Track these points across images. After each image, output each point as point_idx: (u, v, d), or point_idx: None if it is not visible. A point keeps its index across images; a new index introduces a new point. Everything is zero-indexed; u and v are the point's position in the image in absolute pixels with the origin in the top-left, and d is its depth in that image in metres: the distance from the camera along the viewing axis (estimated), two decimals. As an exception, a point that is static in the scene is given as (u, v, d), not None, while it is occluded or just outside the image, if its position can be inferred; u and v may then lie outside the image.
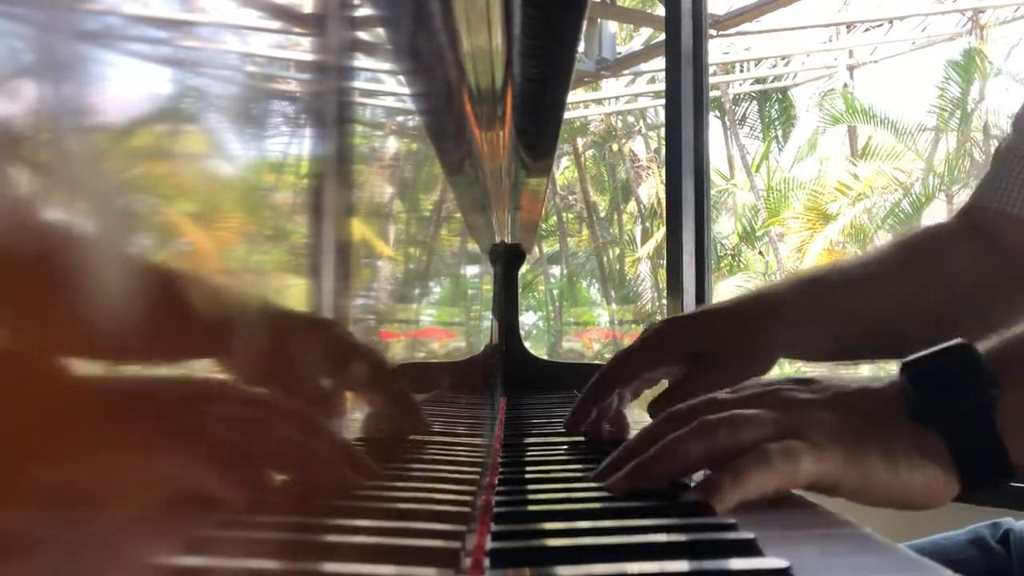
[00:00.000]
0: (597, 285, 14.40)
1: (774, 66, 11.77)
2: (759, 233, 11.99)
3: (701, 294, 2.01)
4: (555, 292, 14.68)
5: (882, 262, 0.83)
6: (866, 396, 0.52)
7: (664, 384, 0.79)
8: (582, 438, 0.75)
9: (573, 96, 10.00)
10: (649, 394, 0.80)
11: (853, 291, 0.80)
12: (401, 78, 0.50)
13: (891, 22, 10.78)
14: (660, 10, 5.53)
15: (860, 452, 0.47)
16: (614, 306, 13.41)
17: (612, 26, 6.22)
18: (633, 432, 0.77)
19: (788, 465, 0.46)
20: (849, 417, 0.50)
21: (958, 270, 0.82)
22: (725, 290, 10.50)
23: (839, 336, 0.79)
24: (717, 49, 10.12)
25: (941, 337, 0.84)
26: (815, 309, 0.77)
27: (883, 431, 0.49)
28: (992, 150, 0.91)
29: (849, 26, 11.32)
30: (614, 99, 11.97)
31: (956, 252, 0.84)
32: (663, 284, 10.30)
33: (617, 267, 13.88)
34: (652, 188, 12.85)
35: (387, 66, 0.47)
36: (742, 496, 0.45)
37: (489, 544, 0.38)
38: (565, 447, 0.72)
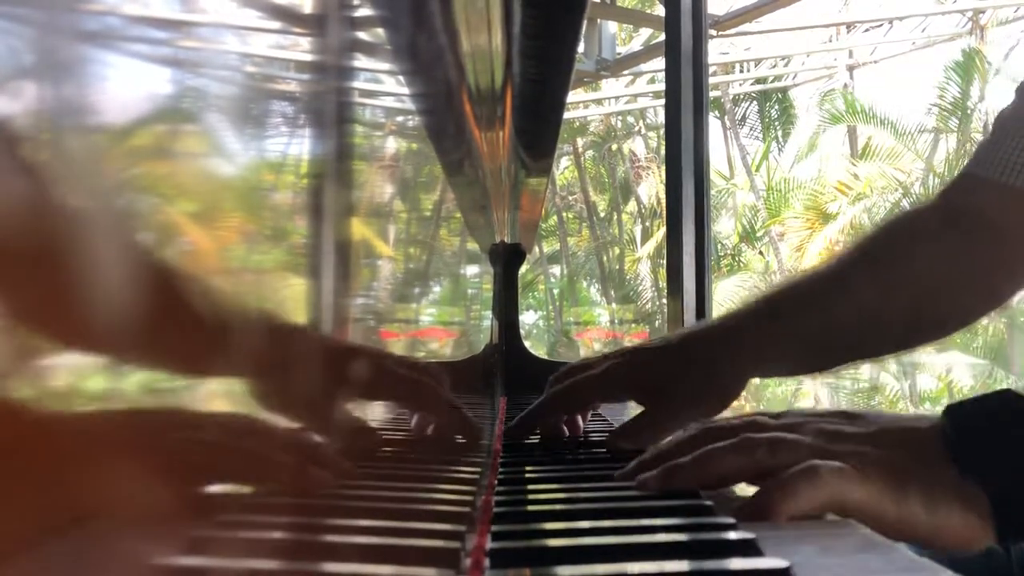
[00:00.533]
0: (597, 285, 14.40)
1: (774, 66, 11.77)
2: (759, 233, 11.99)
3: (701, 294, 2.01)
4: (555, 292, 14.68)
5: (850, 265, 0.80)
6: (909, 436, 0.52)
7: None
8: (581, 438, 0.75)
9: (573, 96, 10.00)
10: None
11: (821, 303, 0.77)
12: (401, 78, 0.50)
13: (891, 22, 10.78)
14: (660, 10, 5.52)
15: (901, 489, 0.48)
16: (614, 306, 13.41)
17: (612, 26, 6.22)
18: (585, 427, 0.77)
19: (838, 485, 0.46)
20: (892, 454, 0.50)
21: (933, 263, 0.79)
22: (725, 290, 10.50)
23: (810, 351, 0.77)
24: (717, 49, 10.12)
25: (917, 334, 0.83)
26: (776, 332, 0.75)
27: (924, 472, 0.49)
28: None
29: (849, 26, 11.31)
30: (614, 99, 11.97)
31: (930, 243, 0.80)
32: (663, 284, 10.30)
33: (617, 267, 13.88)
34: (652, 188, 12.85)
35: (387, 66, 0.47)
36: (793, 510, 0.45)
37: (489, 544, 0.38)
38: (565, 447, 0.72)
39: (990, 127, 0.86)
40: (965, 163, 0.86)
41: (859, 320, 0.77)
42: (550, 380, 0.77)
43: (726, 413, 0.71)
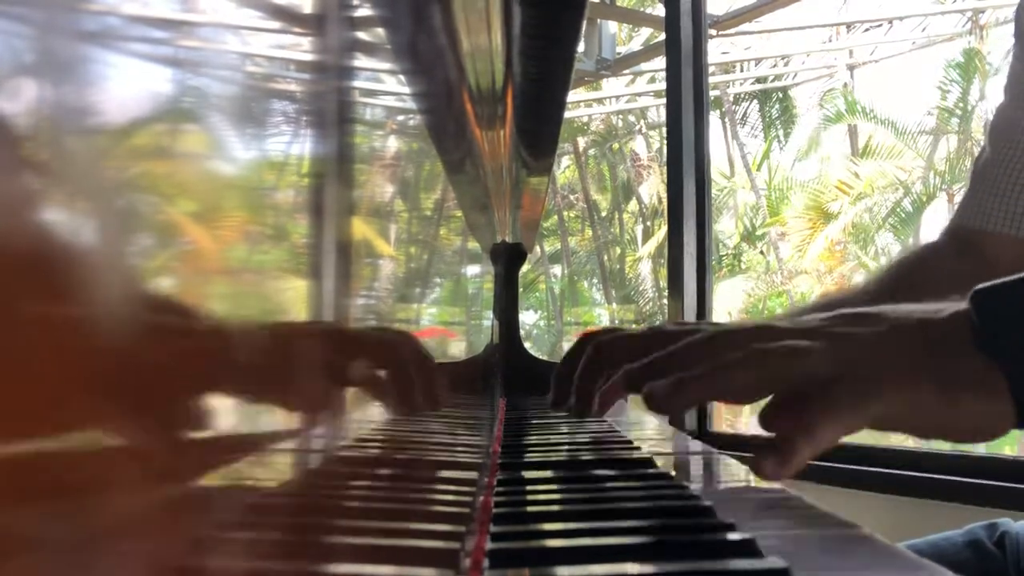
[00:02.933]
0: (598, 285, 14.40)
1: (774, 66, 11.78)
2: (760, 232, 11.99)
3: (702, 294, 2.01)
4: (556, 291, 14.68)
5: (872, 293, 0.83)
6: (926, 327, 0.50)
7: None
8: (583, 438, 0.75)
9: (573, 96, 10.00)
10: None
11: None
12: (401, 78, 0.50)
13: (891, 22, 10.78)
14: (660, 10, 5.53)
15: (916, 388, 0.46)
16: (615, 306, 13.41)
17: (612, 26, 6.22)
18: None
19: (853, 412, 0.45)
20: (907, 351, 0.48)
21: (946, 294, 0.82)
22: (726, 290, 10.50)
23: None
24: (717, 49, 10.12)
25: None
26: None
27: (942, 363, 0.47)
28: None
29: (849, 26, 11.32)
30: (614, 99, 11.98)
31: (944, 276, 0.83)
32: (664, 284, 10.30)
33: (618, 267, 13.88)
34: (653, 187, 12.85)
35: (387, 66, 0.47)
36: (815, 450, 0.44)
37: (488, 544, 0.38)
38: (565, 447, 0.72)
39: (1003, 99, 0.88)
40: (951, 217, 0.90)
41: None
42: (577, 342, 0.76)
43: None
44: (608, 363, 0.72)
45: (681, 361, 0.50)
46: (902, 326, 0.50)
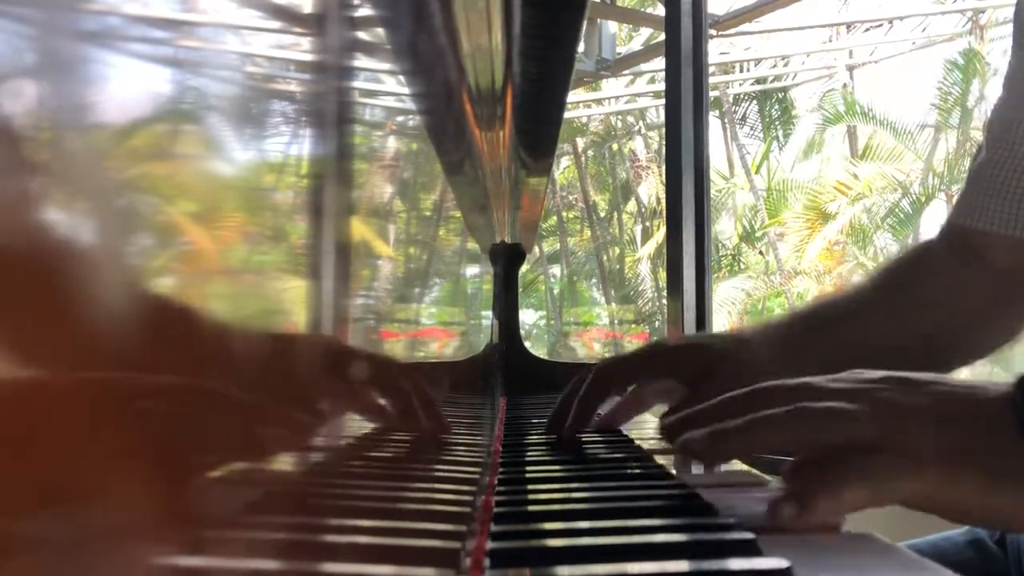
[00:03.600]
0: (597, 285, 14.40)
1: (774, 66, 11.77)
2: (759, 233, 11.99)
3: (701, 294, 2.01)
4: (555, 292, 14.68)
5: (869, 293, 0.83)
6: (973, 405, 0.48)
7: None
8: (583, 438, 0.75)
9: (573, 96, 10.00)
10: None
11: (849, 329, 0.79)
12: (401, 78, 0.50)
13: (891, 22, 10.78)
14: (660, 10, 5.53)
15: (959, 470, 0.45)
16: (614, 306, 13.41)
17: (612, 26, 6.22)
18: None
19: (885, 484, 0.44)
20: (952, 428, 0.46)
21: (942, 293, 0.82)
22: (725, 291, 10.50)
23: (834, 367, 0.79)
24: (717, 49, 10.12)
25: (931, 363, 0.84)
26: (807, 344, 0.77)
27: (987, 446, 0.46)
28: None
29: (849, 26, 11.32)
30: (614, 99, 11.97)
31: (940, 274, 0.83)
32: (663, 284, 10.30)
33: (617, 267, 13.88)
34: (652, 188, 12.85)
35: (387, 66, 0.47)
36: (836, 511, 0.43)
37: (489, 544, 0.38)
38: (565, 447, 0.72)
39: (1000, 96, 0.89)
40: (947, 215, 0.90)
41: (881, 341, 0.79)
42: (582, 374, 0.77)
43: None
44: (612, 383, 0.74)
45: (721, 413, 0.49)
46: (950, 400, 0.48)
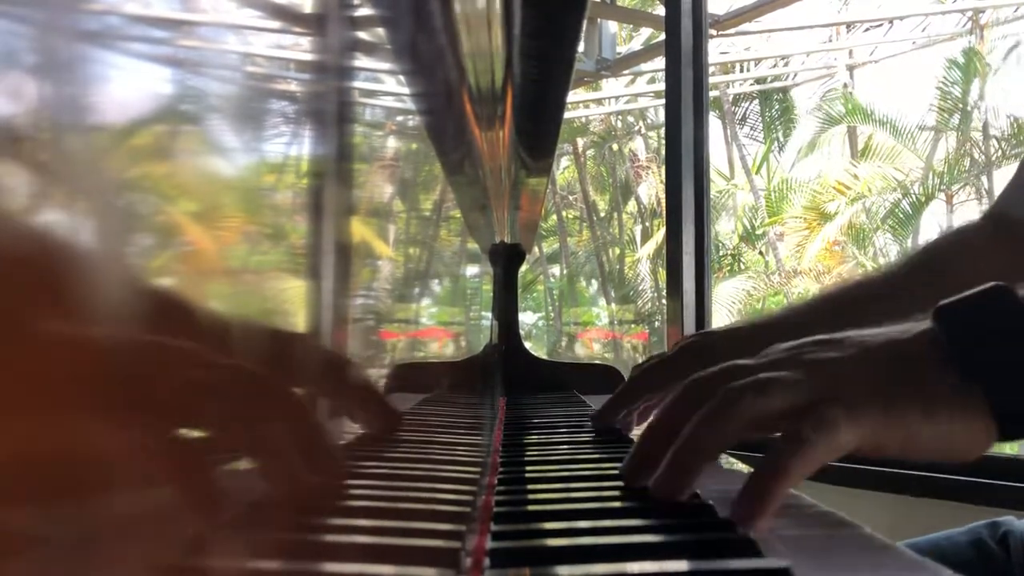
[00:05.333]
0: (597, 285, 14.40)
1: (774, 66, 11.78)
2: (759, 233, 12.00)
3: (701, 294, 2.01)
4: (555, 292, 14.69)
5: (908, 274, 0.83)
6: (897, 347, 0.50)
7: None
8: (583, 438, 0.75)
9: (573, 96, 10.00)
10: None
11: (879, 309, 0.78)
12: (401, 78, 0.50)
13: (891, 22, 10.79)
14: (660, 10, 5.53)
15: (898, 410, 0.46)
16: (614, 306, 13.41)
17: (612, 26, 6.22)
18: None
19: (827, 438, 0.44)
20: (881, 373, 0.48)
21: (986, 273, 0.81)
22: (725, 291, 10.50)
23: None
24: (717, 49, 10.12)
25: None
26: (840, 328, 0.76)
27: (919, 384, 0.47)
28: (991, 150, 0.92)
29: (849, 26, 11.32)
30: (614, 99, 11.98)
31: (984, 254, 0.83)
32: (663, 284, 10.30)
33: (617, 267, 13.88)
34: (652, 188, 12.86)
35: (387, 66, 0.47)
36: (789, 488, 0.44)
37: (489, 544, 0.38)
38: (565, 447, 0.72)
39: (989, 127, 0.90)
40: (992, 205, 0.90)
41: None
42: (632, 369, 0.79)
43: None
44: (647, 391, 0.76)
45: (664, 429, 0.49)
46: (872, 348, 0.50)
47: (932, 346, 0.49)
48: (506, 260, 1.50)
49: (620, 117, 13.15)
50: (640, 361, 0.83)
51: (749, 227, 12.13)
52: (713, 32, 5.84)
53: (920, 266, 0.83)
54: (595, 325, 14.06)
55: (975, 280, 0.81)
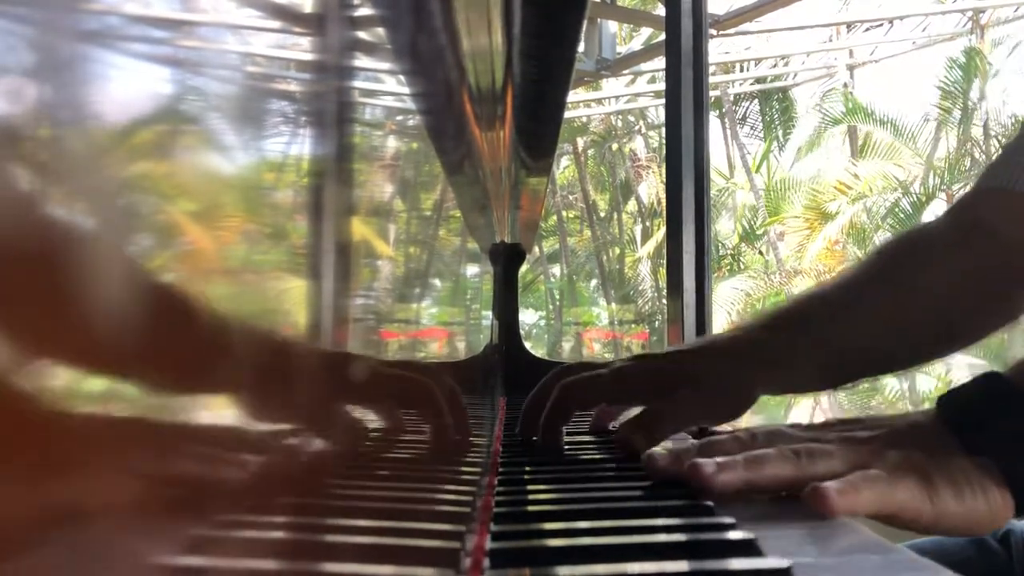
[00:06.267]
0: (597, 285, 14.40)
1: (774, 66, 11.77)
2: (759, 232, 11.99)
3: (701, 294, 2.01)
4: (555, 292, 14.68)
5: (863, 281, 0.80)
6: (918, 431, 0.55)
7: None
8: (582, 438, 0.75)
9: (573, 96, 10.00)
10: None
11: (835, 319, 0.76)
12: (401, 78, 0.50)
13: (891, 22, 10.78)
14: (660, 10, 5.53)
15: (931, 484, 0.50)
16: (614, 306, 13.41)
17: (612, 26, 6.22)
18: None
19: (889, 489, 0.48)
20: (911, 452, 0.52)
21: (945, 277, 0.79)
22: (725, 290, 10.50)
23: (825, 367, 0.76)
24: (717, 49, 10.12)
25: (933, 347, 0.84)
26: (795, 346, 0.74)
27: (943, 464, 0.52)
28: (992, 150, 0.90)
29: (849, 26, 11.32)
30: (614, 99, 11.97)
31: (945, 256, 0.79)
32: (663, 284, 10.30)
33: (617, 267, 13.88)
34: (652, 188, 12.86)
35: (387, 66, 0.47)
36: (856, 508, 0.47)
37: (489, 544, 0.38)
38: (565, 447, 0.72)
39: (990, 127, 0.89)
40: (974, 180, 0.87)
41: (874, 333, 0.77)
42: (550, 376, 0.76)
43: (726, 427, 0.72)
44: (576, 406, 0.75)
45: (718, 450, 0.54)
46: (900, 429, 0.56)
47: (943, 429, 0.54)
48: (506, 260, 1.50)
49: (620, 117, 13.15)
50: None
51: (749, 227, 12.13)
52: (713, 32, 5.84)
53: (880, 273, 0.80)
54: (595, 325, 14.06)
55: (936, 280, 0.80)
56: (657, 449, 0.58)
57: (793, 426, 0.59)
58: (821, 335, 0.75)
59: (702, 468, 0.50)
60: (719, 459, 0.51)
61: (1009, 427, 0.53)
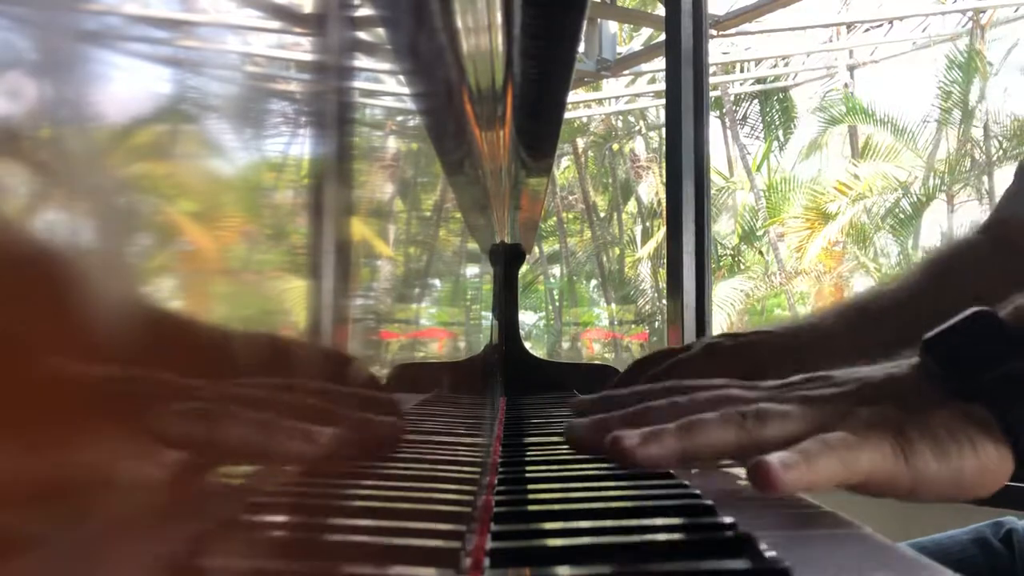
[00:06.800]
0: (597, 285, 14.40)
1: (774, 66, 11.78)
2: (759, 233, 12.00)
3: (701, 294, 2.01)
4: (555, 292, 14.68)
5: (918, 283, 0.82)
6: (894, 382, 0.48)
7: None
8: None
9: (573, 96, 10.00)
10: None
11: (897, 317, 0.77)
12: (401, 78, 0.50)
13: (891, 22, 10.79)
14: (660, 10, 5.54)
15: (906, 444, 0.43)
16: (614, 306, 13.41)
17: (612, 26, 6.22)
18: None
19: (852, 454, 0.42)
20: (883, 408, 0.45)
21: (990, 281, 0.81)
22: (725, 291, 10.51)
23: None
24: (717, 49, 10.12)
25: None
26: (862, 341, 0.73)
27: (922, 417, 0.44)
28: (992, 150, 0.93)
29: (849, 26, 11.32)
30: (614, 99, 11.98)
31: (987, 264, 0.82)
32: (663, 284, 10.30)
33: (617, 267, 13.88)
34: (652, 188, 12.86)
35: (387, 66, 0.47)
36: (811, 482, 0.40)
37: (489, 544, 0.38)
38: (565, 447, 0.72)
39: (990, 127, 0.91)
40: (992, 211, 0.91)
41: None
42: (632, 365, 0.77)
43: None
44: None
45: (642, 418, 0.46)
46: (871, 382, 0.48)
47: (929, 377, 0.47)
48: (506, 260, 1.50)
49: (620, 117, 13.15)
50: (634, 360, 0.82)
51: (749, 227, 12.13)
52: (713, 32, 5.85)
53: (932, 276, 0.82)
54: (595, 325, 14.06)
55: (979, 291, 0.81)
56: (581, 419, 0.49)
57: (748, 384, 0.50)
58: (883, 330, 0.75)
59: (623, 442, 0.43)
60: (647, 429, 0.44)
61: (1010, 368, 0.45)
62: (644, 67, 9.08)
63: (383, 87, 0.48)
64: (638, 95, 11.84)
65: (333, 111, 0.33)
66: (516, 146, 1.36)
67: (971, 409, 0.45)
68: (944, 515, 1.48)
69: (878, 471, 0.43)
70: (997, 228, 0.88)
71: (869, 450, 0.42)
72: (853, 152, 11.50)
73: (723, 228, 12.25)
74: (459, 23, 0.61)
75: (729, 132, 12.37)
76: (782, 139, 12.47)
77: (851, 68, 11.63)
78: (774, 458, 0.39)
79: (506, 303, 1.48)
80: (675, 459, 0.43)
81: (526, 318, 14.06)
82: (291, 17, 0.30)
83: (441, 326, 0.82)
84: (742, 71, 12.00)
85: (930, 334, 0.48)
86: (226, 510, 0.22)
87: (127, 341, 0.16)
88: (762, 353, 0.74)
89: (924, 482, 0.44)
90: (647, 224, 13.08)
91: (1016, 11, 10.31)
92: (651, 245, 12.14)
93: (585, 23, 1.57)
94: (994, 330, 0.47)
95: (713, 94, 11.10)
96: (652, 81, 10.42)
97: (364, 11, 0.41)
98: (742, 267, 12.11)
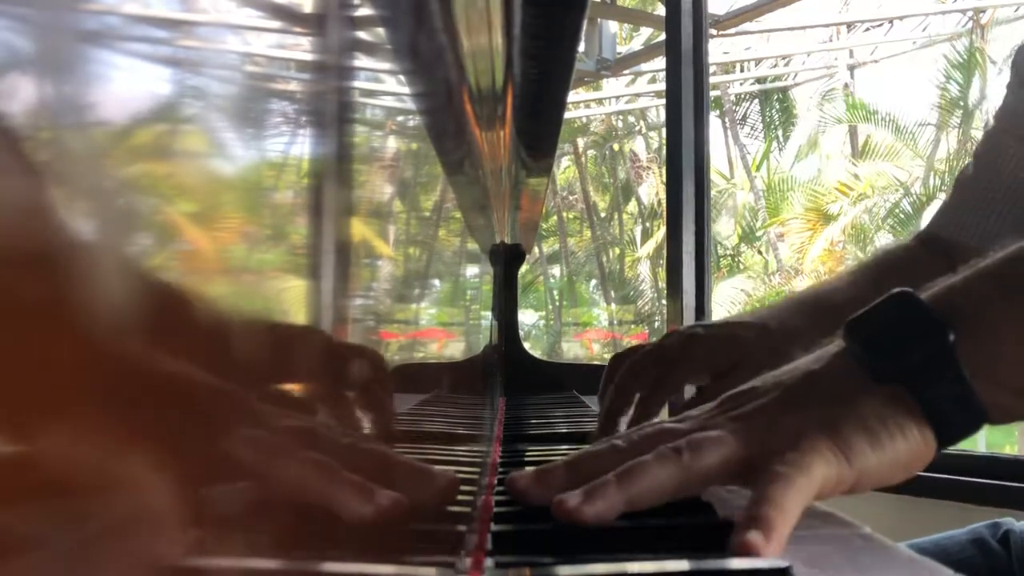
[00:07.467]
0: (597, 285, 14.40)
1: (774, 66, 11.78)
2: (759, 233, 12.00)
3: (701, 294, 2.01)
4: (555, 292, 14.68)
5: (858, 282, 0.85)
6: (817, 379, 0.47)
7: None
8: (582, 439, 0.75)
9: (573, 96, 10.01)
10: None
11: (847, 311, 0.80)
12: (401, 78, 0.50)
13: (891, 22, 10.79)
14: (660, 10, 5.54)
15: (843, 443, 0.43)
16: (614, 306, 13.41)
17: (612, 26, 6.22)
18: None
19: (804, 479, 0.41)
20: (812, 410, 0.45)
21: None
22: (725, 291, 10.51)
23: None
24: (717, 49, 10.12)
25: None
26: (822, 333, 0.76)
27: (851, 409, 0.44)
28: None
29: (849, 26, 11.32)
30: (614, 99, 11.98)
31: (923, 269, 0.85)
32: (663, 284, 10.30)
33: (617, 267, 13.88)
34: (652, 188, 12.87)
35: (387, 66, 0.47)
36: (790, 525, 0.40)
37: (489, 544, 0.38)
38: (565, 447, 0.72)
39: (990, 123, 0.94)
40: (927, 224, 0.97)
41: None
42: (613, 359, 0.81)
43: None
44: (638, 387, 0.76)
45: (576, 474, 0.46)
46: (791, 385, 0.47)
47: (851, 365, 0.47)
48: (506, 260, 1.50)
49: (620, 117, 13.15)
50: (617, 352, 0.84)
51: (749, 227, 12.13)
52: (713, 32, 5.85)
53: (876, 277, 0.86)
54: (595, 326, 14.06)
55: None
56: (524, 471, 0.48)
57: (679, 418, 0.50)
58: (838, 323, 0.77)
59: (566, 504, 0.42)
60: (588, 486, 0.43)
61: (930, 352, 0.45)
62: (644, 67, 9.08)
63: (383, 87, 0.48)
64: (638, 95, 11.84)
65: (333, 111, 0.33)
66: (516, 146, 1.36)
67: (895, 391, 0.45)
68: (943, 515, 1.48)
69: (828, 481, 0.43)
70: (930, 240, 0.92)
71: (816, 462, 0.42)
72: (853, 152, 11.50)
73: (723, 228, 12.25)
74: (459, 23, 0.61)
75: (729, 132, 12.37)
76: (782, 139, 12.47)
77: (851, 68, 11.63)
78: (753, 534, 0.38)
79: (506, 303, 1.48)
80: (621, 509, 0.42)
81: (526, 318, 14.06)
82: (291, 17, 0.30)
83: (441, 326, 0.82)
84: (742, 71, 12.00)
85: (853, 316, 0.48)
86: (225, 509, 0.22)
87: (126, 341, 0.16)
88: (740, 346, 0.77)
89: (865, 474, 0.44)
90: (647, 224, 13.08)
91: (1016, 11, 10.31)
92: (651, 245, 12.15)
93: (585, 23, 1.57)
94: (915, 311, 0.47)
95: (713, 94, 11.10)
96: (652, 81, 10.42)
97: (364, 11, 0.41)
98: (742, 267, 12.11)
